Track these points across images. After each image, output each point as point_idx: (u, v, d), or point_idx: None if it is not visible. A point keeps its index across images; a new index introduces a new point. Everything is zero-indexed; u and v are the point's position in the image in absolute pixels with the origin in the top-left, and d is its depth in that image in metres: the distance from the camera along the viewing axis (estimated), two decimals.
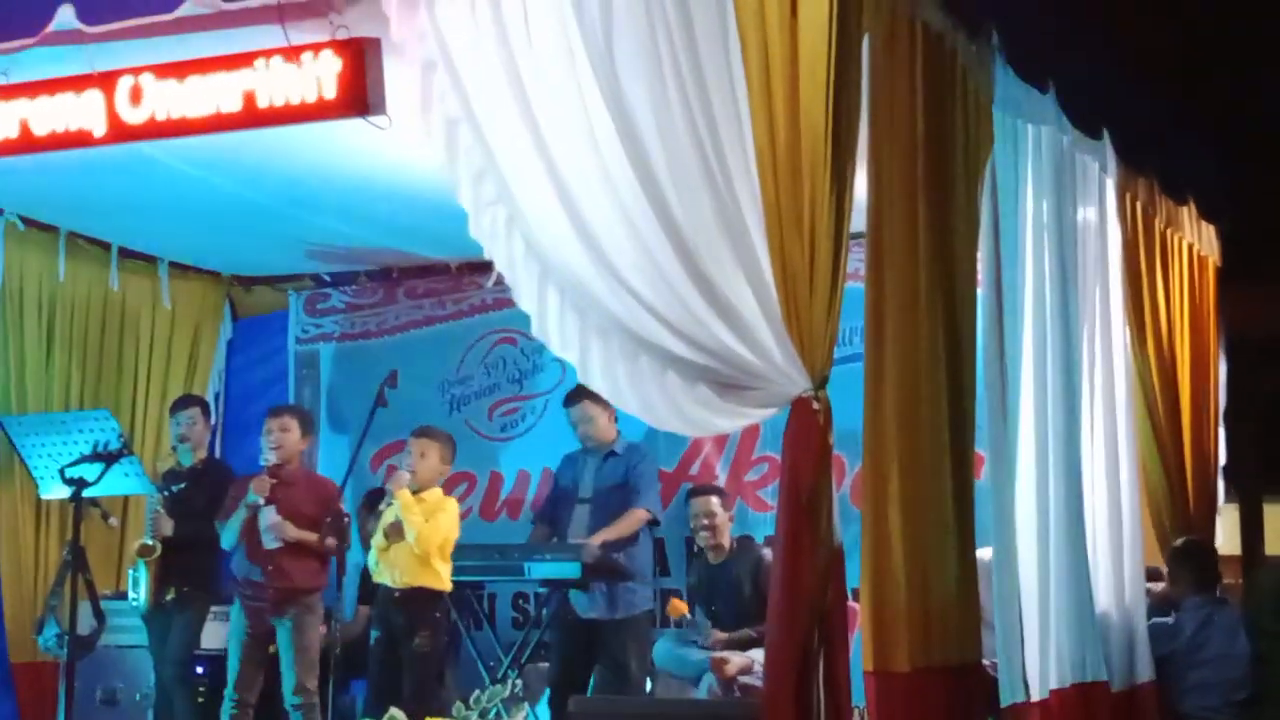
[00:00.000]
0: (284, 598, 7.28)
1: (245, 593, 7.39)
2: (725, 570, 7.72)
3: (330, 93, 5.07)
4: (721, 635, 7.61)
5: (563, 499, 8.15)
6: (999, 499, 5.41)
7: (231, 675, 7.36)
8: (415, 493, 7.23)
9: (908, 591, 4.69)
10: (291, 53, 5.09)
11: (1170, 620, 6.93)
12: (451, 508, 7.32)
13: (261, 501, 7.27)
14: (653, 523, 7.93)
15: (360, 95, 5.03)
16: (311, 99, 5.12)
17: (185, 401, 8.20)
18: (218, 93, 5.26)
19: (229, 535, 7.43)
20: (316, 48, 5.08)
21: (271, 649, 7.39)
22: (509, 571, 7.85)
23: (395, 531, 7.17)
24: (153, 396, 9.10)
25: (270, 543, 7.28)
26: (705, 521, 7.78)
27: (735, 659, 7.38)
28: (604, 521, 7.82)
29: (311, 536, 7.31)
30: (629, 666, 7.67)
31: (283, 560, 7.30)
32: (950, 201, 5.04)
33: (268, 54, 5.16)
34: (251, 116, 5.25)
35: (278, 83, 5.16)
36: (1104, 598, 6.28)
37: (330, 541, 7.34)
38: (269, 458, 7.39)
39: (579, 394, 7.86)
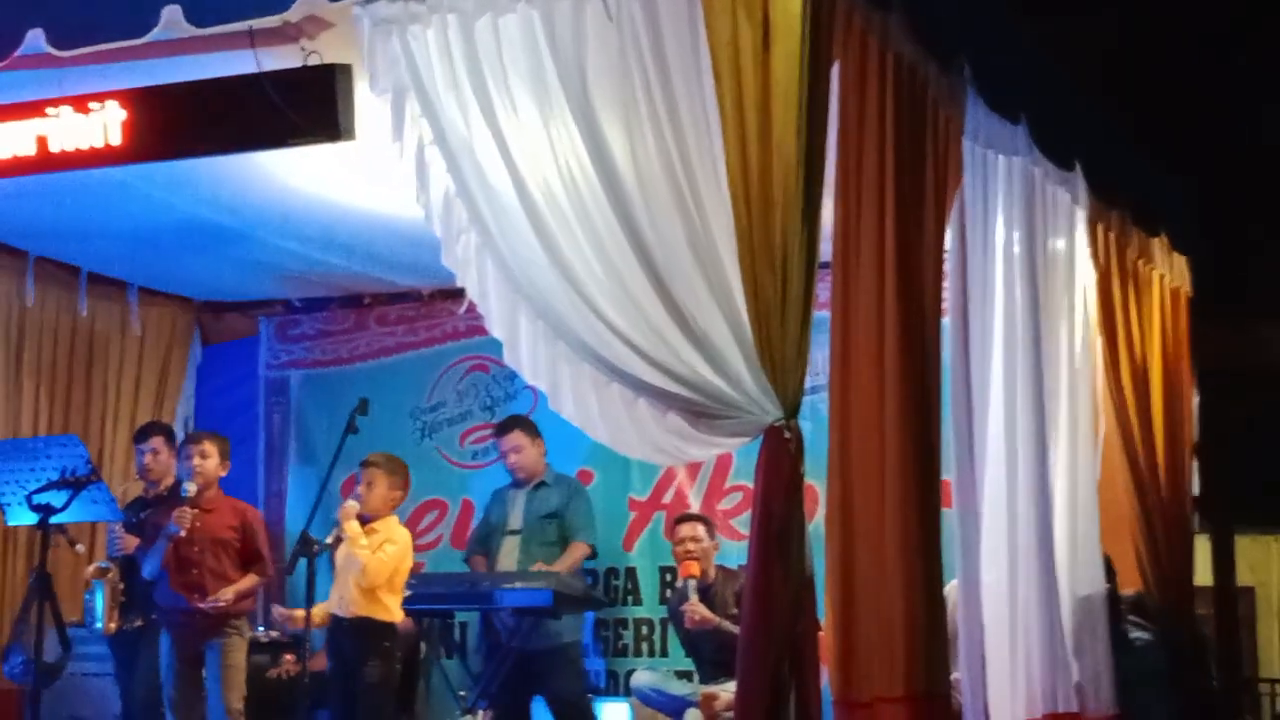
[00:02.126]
0: (213, 622, 7.25)
1: (173, 620, 7.34)
2: (708, 596, 7.70)
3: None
4: (703, 608, 7.56)
5: (493, 531, 8.20)
6: (964, 527, 5.41)
7: (167, 703, 7.31)
8: (366, 523, 7.18)
9: (873, 620, 4.67)
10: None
11: (1148, 636, 6.99)
12: (402, 538, 7.25)
13: (182, 533, 7.21)
14: (590, 556, 8.03)
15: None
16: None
17: (148, 430, 8.13)
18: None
19: (151, 566, 7.37)
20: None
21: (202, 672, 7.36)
22: (479, 600, 7.83)
23: (334, 545, 7.13)
24: (122, 422, 9.06)
25: (205, 608, 7.22)
26: (690, 547, 7.76)
27: (723, 695, 7.30)
28: (535, 550, 7.91)
29: (247, 584, 7.33)
30: (558, 699, 7.69)
31: (209, 586, 7.27)
32: (919, 231, 5.03)
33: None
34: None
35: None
36: (1073, 627, 6.27)
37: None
38: (189, 488, 7.32)
39: (511, 424, 7.97)
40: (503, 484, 8.32)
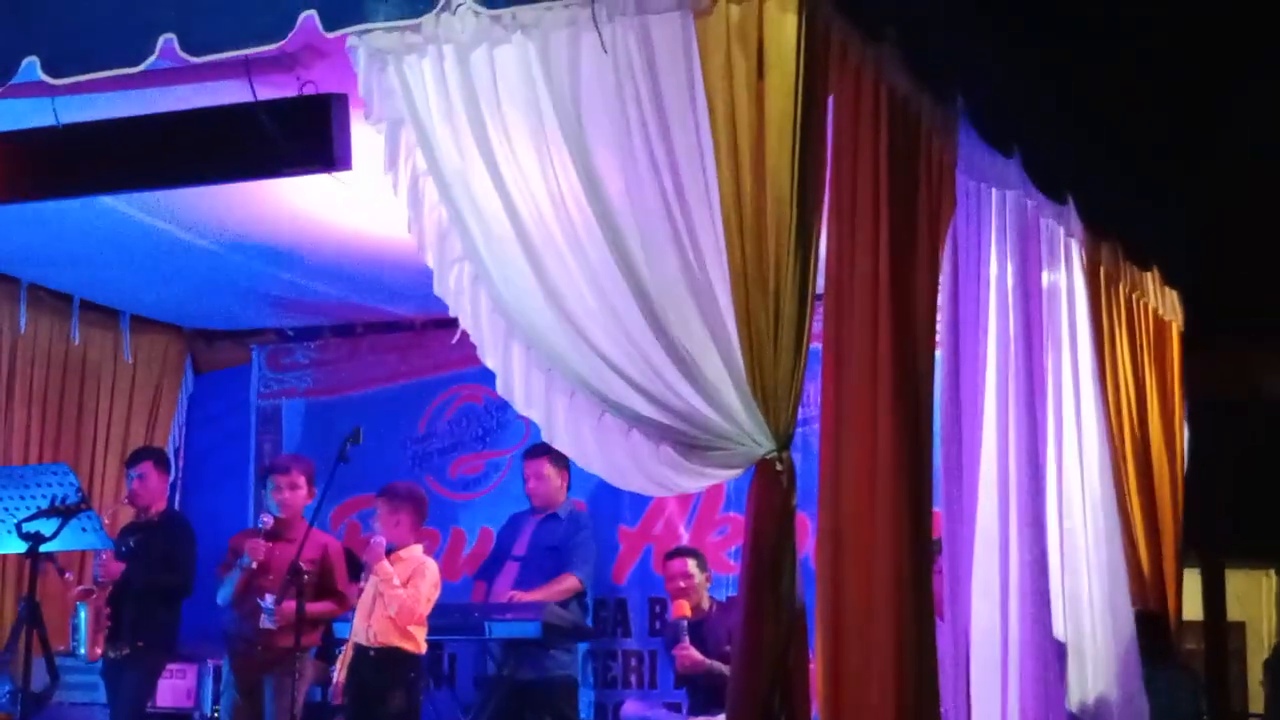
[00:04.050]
0: (276, 656, 7.19)
1: (236, 648, 7.30)
2: (700, 630, 7.68)
3: None
4: (694, 653, 7.53)
5: (498, 556, 8.15)
6: (952, 558, 5.42)
7: None
8: (391, 552, 7.19)
9: (863, 653, 4.66)
10: None
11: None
12: (430, 572, 7.28)
13: (254, 565, 7.18)
14: (578, 591, 7.91)
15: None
16: None
17: (138, 456, 8.11)
18: None
19: (224, 593, 7.35)
20: None
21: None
22: (470, 630, 7.80)
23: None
24: (113, 451, 9.04)
25: (268, 623, 7.14)
26: (681, 584, 7.74)
27: None
28: (532, 579, 7.85)
29: (315, 607, 7.20)
30: None
31: (276, 617, 7.17)
32: (912, 264, 5.04)
33: None
34: None
35: None
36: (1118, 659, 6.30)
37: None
38: (265, 520, 7.28)
39: (541, 450, 7.89)
40: (522, 509, 8.27)
